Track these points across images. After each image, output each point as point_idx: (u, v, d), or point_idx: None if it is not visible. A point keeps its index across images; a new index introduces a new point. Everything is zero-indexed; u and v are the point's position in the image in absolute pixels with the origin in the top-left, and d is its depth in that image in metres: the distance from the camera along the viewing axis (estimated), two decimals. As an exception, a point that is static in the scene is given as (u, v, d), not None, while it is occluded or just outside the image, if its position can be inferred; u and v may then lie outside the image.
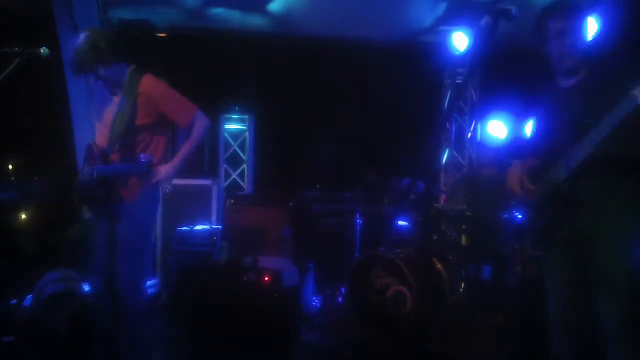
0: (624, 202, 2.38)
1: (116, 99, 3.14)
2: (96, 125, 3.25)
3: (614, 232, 2.36)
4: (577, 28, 2.47)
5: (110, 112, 3.14)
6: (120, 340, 3.11)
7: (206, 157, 7.13)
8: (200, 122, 3.24)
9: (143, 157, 2.86)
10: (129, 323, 3.10)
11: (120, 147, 3.07)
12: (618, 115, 2.23)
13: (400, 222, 5.27)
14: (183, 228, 5.47)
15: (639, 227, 2.37)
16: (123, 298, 3.08)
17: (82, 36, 3.06)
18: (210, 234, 5.46)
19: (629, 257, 2.33)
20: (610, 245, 2.36)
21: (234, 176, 7.12)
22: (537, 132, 2.73)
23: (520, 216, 5.24)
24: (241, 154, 7.16)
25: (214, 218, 5.98)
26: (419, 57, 6.85)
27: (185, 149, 3.19)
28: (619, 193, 2.39)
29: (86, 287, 4.43)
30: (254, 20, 6.25)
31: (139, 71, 3.16)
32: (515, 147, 2.83)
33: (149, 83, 3.11)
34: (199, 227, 5.57)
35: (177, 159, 3.17)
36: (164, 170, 3.12)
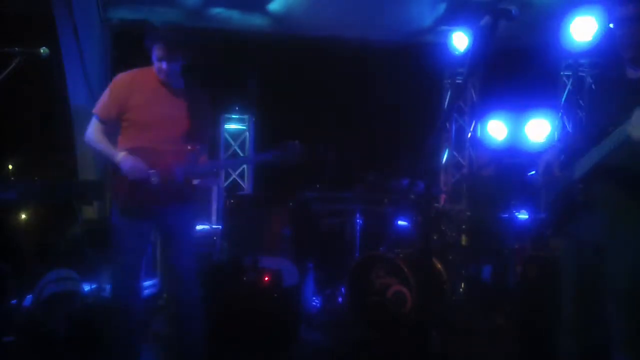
0: (634, 210, 2.34)
1: (178, 102, 3.19)
2: (143, 120, 3.20)
3: (624, 240, 2.32)
4: None
5: (174, 112, 3.17)
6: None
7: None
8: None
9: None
10: (192, 310, 3.29)
11: (196, 143, 3.20)
12: (613, 141, 2.18)
13: (400, 222, 5.26)
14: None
15: None
16: (191, 289, 3.27)
17: (170, 25, 3.24)
18: (210, 234, 5.47)
19: (636, 264, 2.31)
20: (620, 253, 2.33)
21: (234, 176, 7.12)
22: (587, 121, 2.62)
23: (526, 216, 5.24)
24: (241, 154, 7.16)
25: (214, 218, 5.98)
26: (419, 57, 6.85)
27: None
28: (629, 201, 2.34)
29: (86, 287, 4.43)
30: (254, 20, 6.25)
31: (191, 81, 3.33)
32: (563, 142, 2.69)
33: (207, 94, 3.34)
34: (199, 227, 5.57)
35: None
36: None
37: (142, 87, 3.19)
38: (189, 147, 3.14)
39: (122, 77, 3.25)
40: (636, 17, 2.27)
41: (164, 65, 3.09)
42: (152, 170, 3.06)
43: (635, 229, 2.32)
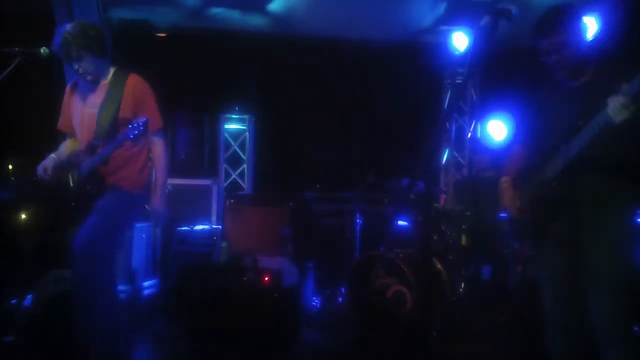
0: (611, 201, 2.39)
1: (95, 97, 3.18)
2: (75, 127, 3.29)
3: (603, 231, 2.37)
4: (564, 43, 2.44)
5: (90, 110, 3.17)
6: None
7: (206, 157, 7.13)
8: (161, 143, 3.27)
9: (137, 120, 2.95)
10: (95, 323, 3.05)
11: (107, 140, 3.09)
12: (593, 129, 2.27)
13: (400, 222, 5.26)
14: (183, 228, 5.47)
15: (628, 226, 2.37)
16: (79, 273, 3.03)
17: (73, 23, 3.11)
18: (210, 234, 5.46)
19: (619, 256, 2.34)
20: (600, 244, 2.37)
21: (234, 176, 7.12)
22: (534, 130, 2.73)
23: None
24: (241, 154, 7.16)
25: (214, 218, 5.98)
26: (419, 57, 6.85)
27: (159, 179, 3.23)
28: (606, 193, 2.39)
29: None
30: (254, 20, 6.24)
31: (124, 70, 3.23)
32: (511, 149, 2.83)
33: (136, 81, 3.20)
34: (199, 227, 5.57)
35: (158, 191, 3.21)
36: (156, 206, 3.19)
37: (74, 93, 3.27)
38: (95, 143, 3.12)
39: (66, 88, 3.34)
40: (561, 45, 2.45)
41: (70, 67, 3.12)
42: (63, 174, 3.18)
43: (614, 219, 2.36)
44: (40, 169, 3.21)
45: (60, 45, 3.03)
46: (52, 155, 3.28)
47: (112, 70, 3.22)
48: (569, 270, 2.50)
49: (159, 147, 3.24)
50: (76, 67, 3.10)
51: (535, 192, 2.57)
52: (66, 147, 3.36)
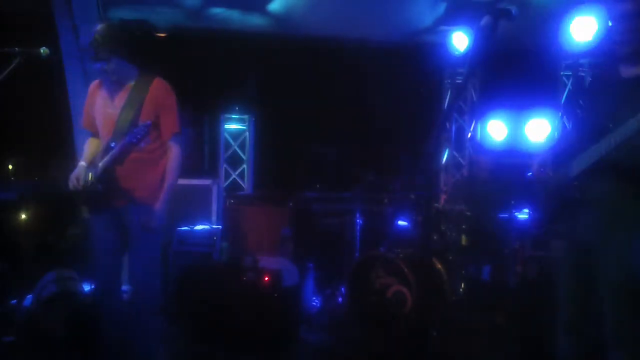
0: (630, 207, 2.35)
1: (118, 99, 3.19)
2: (98, 126, 3.30)
3: (619, 236, 2.33)
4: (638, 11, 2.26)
5: (112, 111, 3.19)
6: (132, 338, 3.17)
7: (206, 157, 7.13)
8: (177, 149, 3.27)
9: (141, 124, 3.02)
10: (143, 322, 3.16)
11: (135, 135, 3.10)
12: (624, 132, 2.17)
13: (400, 222, 5.26)
14: (183, 228, 5.47)
15: None
16: (138, 298, 3.16)
17: (103, 24, 3.14)
18: (210, 234, 5.46)
19: (632, 262, 2.31)
20: (614, 249, 2.33)
21: (234, 176, 7.11)
22: (582, 122, 2.59)
23: (526, 216, 5.24)
24: (241, 154, 7.16)
25: (214, 218, 5.98)
26: (419, 57, 6.85)
27: (168, 183, 3.25)
28: (625, 198, 2.35)
29: (86, 287, 4.43)
30: (254, 20, 6.25)
31: (150, 73, 3.25)
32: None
33: (160, 85, 3.23)
34: (199, 227, 5.57)
35: (163, 195, 3.23)
36: (157, 210, 3.19)
37: (98, 92, 3.28)
38: (112, 144, 3.12)
39: (90, 85, 3.36)
40: (635, 13, 2.28)
41: (94, 66, 3.14)
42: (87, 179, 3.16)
43: (631, 225, 2.32)
44: (72, 179, 3.19)
45: (90, 45, 3.07)
46: (82, 162, 3.25)
47: (138, 73, 3.24)
48: (581, 272, 2.48)
49: (173, 152, 3.24)
50: (104, 67, 3.12)
51: (554, 189, 2.54)
52: (89, 149, 3.35)
